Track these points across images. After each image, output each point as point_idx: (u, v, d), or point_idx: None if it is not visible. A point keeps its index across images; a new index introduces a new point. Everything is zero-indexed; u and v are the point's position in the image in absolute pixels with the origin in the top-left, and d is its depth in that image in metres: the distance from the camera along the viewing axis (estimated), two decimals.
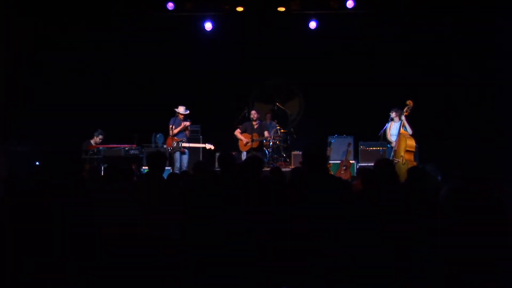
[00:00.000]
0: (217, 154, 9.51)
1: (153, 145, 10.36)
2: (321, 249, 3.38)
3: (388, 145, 8.78)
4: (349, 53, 10.47)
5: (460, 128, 9.42)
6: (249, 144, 9.16)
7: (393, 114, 8.59)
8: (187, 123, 8.97)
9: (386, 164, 4.07)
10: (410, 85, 9.52)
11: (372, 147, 9.74)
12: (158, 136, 10.49)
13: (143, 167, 8.82)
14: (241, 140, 9.27)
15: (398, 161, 8.21)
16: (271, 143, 9.52)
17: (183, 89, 10.49)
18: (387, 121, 8.69)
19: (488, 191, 3.70)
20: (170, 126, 8.88)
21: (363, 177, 4.60)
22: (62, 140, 9.21)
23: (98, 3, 9.72)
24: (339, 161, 9.68)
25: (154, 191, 4.22)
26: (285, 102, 11.29)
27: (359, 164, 9.65)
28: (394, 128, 8.57)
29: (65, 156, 8.77)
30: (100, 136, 9.01)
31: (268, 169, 7.44)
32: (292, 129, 10.23)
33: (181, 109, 9.02)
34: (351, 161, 9.65)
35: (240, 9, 10.13)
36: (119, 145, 8.78)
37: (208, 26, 10.51)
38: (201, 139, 10.09)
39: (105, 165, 7.70)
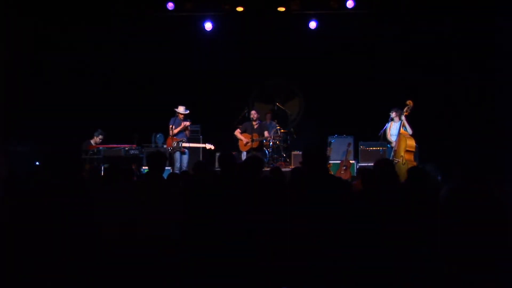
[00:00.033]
0: (217, 154, 9.52)
1: (153, 145, 10.36)
2: (321, 249, 3.38)
3: (388, 145, 8.78)
4: (349, 53, 10.47)
5: (460, 128, 9.42)
6: (249, 144, 9.16)
7: (393, 114, 8.59)
8: (187, 123, 8.97)
9: (386, 164, 4.07)
10: (410, 85, 9.52)
11: (372, 147, 9.74)
12: (158, 136, 10.49)
13: (143, 167, 8.82)
14: (241, 140, 9.27)
15: (398, 161, 8.21)
16: (271, 143, 9.52)
17: (183, 89, 10.49)
18: (387, 121, 8.69)
19: (488, 191, 3.70)
20: (170, 126, 8.88)
21: (363, 177, 4.60)
22: (62, 140, 9.21)
23: (98, 3, 9.72)
24: (339, 161, 9.68)
25: (154, 191, 4.22)
26: (285, 102, 11.29)
27: (359, 164, 9.65)
28: (394, 128, 8.57)
29: (65, 156, 8.77)
30: (100, 136, 9.01)
31: (268, 169, 7.44)
32: (292, 129, 10.23)
33: (181, 109, 9.03)
34: (351, 161, 9.65)
35: (240, 9, 10.13)
36: (119, 145, 8.78)
37: (208, 26, 10.51)
38: (201, 139, 10.09)
39: (105, 165, 7.74)
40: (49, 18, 9.46)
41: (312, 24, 10.37)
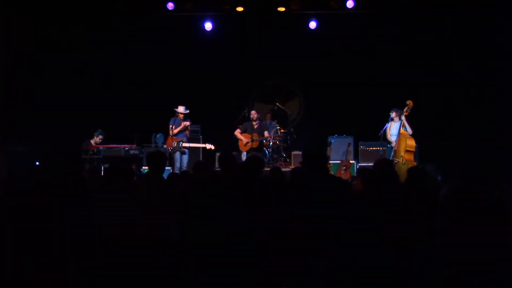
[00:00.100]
0: (217, 154, 9.52)
1: (153, 145, 10.36)
2: (321, 249, 3.38)
3: (388, 145, 8.78)
4: (349, 53, 10.47)
5: (460, 128, 9.42)
6: (249, 144, 9.16)
7: (393, 114, 8.59)
8: (187, 123, 8.97)
9: (386, 164, 4.07)
10: (410, 85, 9.51)
11: (372, 147, 9.74)
12: (158, 136, 10.49)
13: (143, 167, 8.82)
14: (241, 140, 9.27)
15: (398, 161, 8.21)
16: (271, 143, 9.52)
17: (183, 89, 10.49)
18: (387, 121, 8.69)
19: (488, 191, 3.70)
20: (170, 126, 8.88)
21: (363, 177, 4.60)
22: (62, 140, 9.21)
23: (98, 3, 9.72)
24: (339, 161, 9.68)
25: (154, 191, 4.22)
26: (285, 102, 11.29)
27: (359, 164, 9.65)
28: (394, 128, 8.58)
29: (65, 156, 8.77)
30: (100, 136, 9.01)
31: (268, 169, 7.43)
32: (292, 129, 10.23)
33: (181, 109, 9.03)
34: (351, 161, 9.65)
35: (240, 9, 10.13)
36: (119, 145, 8.78)
37: (208, 26, 10.51)
38: (201, 139, 10.09)
39: (106, 165, 7.74)
40: (49, 18, 9.46)
41: (312, 24, 10.37)
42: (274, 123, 10.14)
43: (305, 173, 3.80)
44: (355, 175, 9.22)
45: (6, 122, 9.12)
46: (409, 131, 8.40)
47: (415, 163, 8.03)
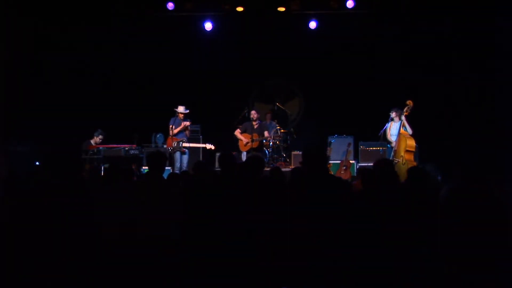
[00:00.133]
0: (217, 154, 9.52)
1: (153, 145, 10.36)
2: (321, 249, 3.38)
3: (388, 145, 8.78)
4: (349, 53, 10.47)
5: (460, 128, 9.42)
6: (249, 144, 9.16)
7: (393, 114, 8.59)
8: (187, 123, 8.97)
9: (386, 164, 4.07)
10: (410, 85, 9.51)
11: (372, 147, 9.74)
12: (158, 136, 10.49)
13: (143, 167, 8.82)
14: (241, 140, 9.27)
15: (398, 161, 8.21)
16: (271, 143, 9.52)
17: (183, 89, 10.49)
18: (387, 121, 8.69)
19: (488, 191, 3.70)
20: (170, 126, 8.88)
21: (363, 177, 4.60)
22: (62, 140, 9.21)
23: (98, 3, 9.71)
24: (339, 161, 9.68)
25: (154, 191, 4.22)
26: (285, 102, 11.29)
27: (359, 164, 9.65)
28: (394, 128, 8.58)
29: (65, 156, 8.77)
30: (100, 136, 9.01)
31: (268, 169, 7.43)
32: (292, 129, 10.23)
33: (181, 109, 9.03)
34: (351, 161, 9.65)
35: (240, 9, 10.13)
36: (119, 145, 8.78)
37: (208, 26, 10.51)
38: (201, 139, 10.09)
39: (106, 165, 7.74)
40: (49, 18, 9.46)
41: (312, 24, 10.37)
42: (274, 123, 10.14)
43: (305, 173, 3.80)
44: (355, 175, 9.22)
45: (6, 122, 9.11)
46: (409, 131, 8.40)
47: (415, 163, 8.03)
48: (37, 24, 9.39)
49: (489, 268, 3.48)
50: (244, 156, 9.15)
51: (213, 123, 10.46)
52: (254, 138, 9.15)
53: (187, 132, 9.07)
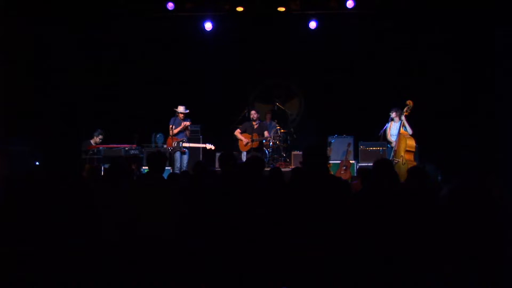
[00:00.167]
0: (217, 154, 9.52)
1: (153, 145, 10.36)
2: (321, 249, 3.38)
3: (388, 145, 8.78)
4: (349, 53, 10.47)
5: (460, 128, 9.41)
6: (249, 144, 9.16)
7: (393, 114, 8.60)
8: (187, 123, 8.97)
9: (386, 164, 4.07)
10: (410, 85, 9.51)
11: (372, 147, 9.74)
12: (158, 136, 10.49)
13: (143, 167, 8.82)
14: (241, 140, 9.27)
15: (398, 161, 8.21)
16: (271, 143, 9.51)
17: (183, 89, 10.50)
18: (387, 121, 8.69)
19: (488, 191, 3.70)
20: (170, 126, 8.88)
21: (363, 177, 4.61)
22: (62, 140, 9.20)
23: (98, 3, 9.71)
24: (339, 161, 9.68)
25: (154, 191, 4.22)
26: (285, 102, 11.29)
27: (359, 164, 9.65)
28: (394, 128, 8.58)
29: (65, 156, 8.76)
30: (100, 136, 9.01)
31: (268, 169, 7.43)
32: (292, 129, 10.23)
33: (181, 109, 9.02)
34: (351, 161, 9.65)
35: (240, 9, 10.14)
36: (119, 145, 8.78)
37: (208, 26, 10.52)
38: (201, 139, 10.08)
39: (108, 166, 7.74)
40: (49, 18, 9.45)
41: (312, 24, 10.38)
42: (274, 123, 10.14)
43: (305, 173, 3.80)
44: (355, 175, 9.22)
45: (6, 122, 9.11)
46: (409, 131, 8.41)
47: (415, 163, 8.03)
48: (37, 24, 9.38)
49: (489, 268, 3.48)
50: (244, 156, 9.15)
51: (213, 123, 10.45)
52: (254, 138, 9.15)
53: (187, 132, 9.07)
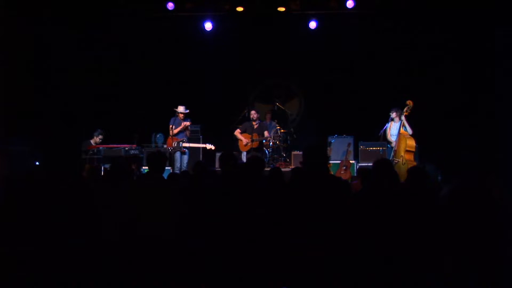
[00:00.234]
0: (217, 154, 9.52)
1: (153, 145, 10.36)
2: (321, 249, 3.37)
3: (388, 145, 8.78)
4: (349, 53, 10.47)
5: (460, 128, 9.41)
6: (249, 144, 9.16)
7: (393, 114, 8.60)
8: (187, 123, 8.97)
9: (385, 164, 4.07)
10: (410, 85, 9.51)
11: (372, 147, 9.73)
12: (158, 136, 10.49)
13: (143, 167, 8.82)
14: (241, 140, 9.27)
15: (398, 161, 8.21)
16: (271, 143, 9.51)
17: (183, 89, 10.50)
18: (387, 121, 8.69)
19: (488, 191, 3.70)
20: (170, 126, 8.88)
21: (363, 177, 4.60)
22: (62, 140, 9.20)
23: (98, 3, 9.71)
24: (339, 161, 9.68)
25: (154, 191, 4.22)
26: (285, 102, 11.29)
27: (359, 164, 9.65)
28: (394, 128, 8.58)
29: (65, 156, 8.76)
30: (100, 136, 9.01)
31: (268, 169, 7.43)
32: (292, 129, 10.23)
33: (181, 109, 9.02)
34: (351, 161, 9.65)
35: (240, 9, 10.14)
36: (119, 145, 8.78)
37: (208, 26, 10.52)
38: (201, 139, 10.08)
39: (106, 166, 7.74)
40: (49, 18, 9.45)
41: (312, 24, 10.38)
42: (274, 123, 10.13)
43: (305, 173, 3.80)
44: (355, 175, 9.22)
45: (6, 122, 9.11)
46: (409, 131, 8.41)
47: (415, 163, 8.03)
48: (37, 24, 9.38)
49: (488, 268, 3.48)
50: (244, 156, 9.15)
51: (213, 123, 10.45)
52: (254, 138, 9.15)
53: (187, 132, 9.07)
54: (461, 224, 3.57)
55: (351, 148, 9.78)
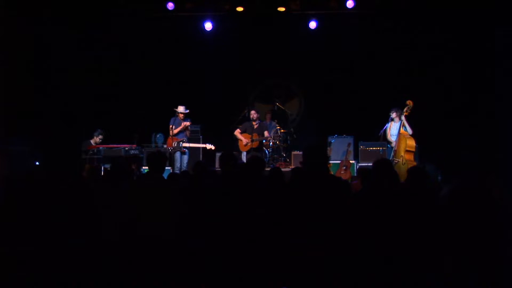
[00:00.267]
0: (217, 154, 9.52)
1: (153, 145, 10.36)
2: (321, 249, 3.37)
3: (388, 145, 8.78)
4: (349, 53, 10.47)
5: (460, 128, 9.41)
6: (249, 144, 9.16)
7: (393, 114, 8.60)
8: (187, 123, 8.97)
9: (385, 164, 4.07)
10: (410, 85, 9.51)
11: (372, 147, 9.73)
12: (158, 136, 10.49)
13: (143, 167, 8.82)
14: (241, 140, 9.27)
15: (398, 161, 8.21)
16: (271, 143, 9.51)
17: (183, 89, 10.50)
18: (387, 121, 8.69)
19: (488, 191, 3.70)
20: (170, 126, 8.88)
21: (362, 177, 4.60)
22: (62, 140, 9.20)
23: (98, 3, 9.71)
24: (339, 161, 9.68)
25: (154, 191, 4.22)
26: (285, 102, 11.29)
27: (359, 164, 9.65)
28: (394, 128, 8.58)
29: (65, 156, 8.76)
30: (100, 136, 9.01)
31: (268, 169, 7.43)
32: (292, 129, 10.23)
33: (180, 109, 9.03)
34: (351, 161, 9.65)
35: (240, 9, 10.15)
36: (119, 145, 8.78)
37: (208, 26, 10.52)
38: (201, 139, 10.08)
39: (107, 166, 7.74)
40: (49, 18, 9.45)
41: (312, 24, 10.38)
42: (274, 123, 10.13)
43: (305, 173, 3.80)
44: (355, 175, 9.22)
45: (6, 122, 9.11)
46: (409, 131, 8.41)
47: (415, 163, 8.03)
48: (37, 24, 9.38)
49: (488, 268, 3.48)
50: (244, 156, 9.15)
51: (213, 123, 10.45)
52: (254, 138, 9.15)
53: (187, 132, 9.07)
54: (461, 224, 3.57)
55: (351, 148, 9.78)
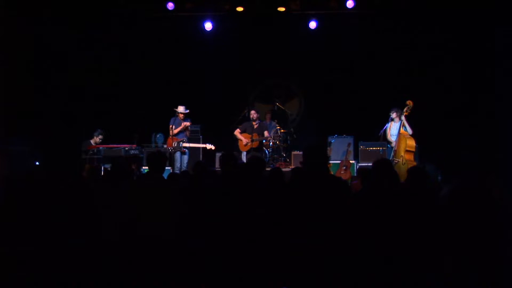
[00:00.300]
0: (218, 154, 9.52)
1: (153, 145, 10.36)
2: (321, 249, 3.37)
3: (388, 145, 8.78)
4: (349, 53, 10.47)
5: (460, 128, 9.41)
6: (249, 144, 9.16)
7: (393, 114, 8.60)
8: (187, 123, 8.97)
9: (385, 164, 4.07)
10: (410, 85, 9.51)
11: (372, 147, 9.73)
12: (158, 136, 10.49)
13: (143, 167, 8.82)
14: (241, 140, 9.27)
15: (398, 161, 8.21)
16: (271, 143, 9.51)
17: (183, 89, 10.50)
18: (387, 121, 8.69)
19: (488, 191, 3.70)
20: (170, 126, 8.88)
21: (363, 177, 4.60)
22: (62, 140, 9.21)
23: (98, 3, 9.71)
24: (339, 161, 9.67)
25: (154, 191, 4.22)
26: (285, 102, 11.29)
27: (359, 164, 9.65)
28: (394, 128, 8.58)
29: (65, 156, 8.76)
30: (100, 136, 9.02)
31: (268, 169, 7.43)
32: (292, 129, 10.23)
33: (180, 109, 9.03)
34: (351, 161, 9.65)
35: (240, 9, 10.15)
36: (119, 145, 8.78)
37: (208, 26, 10.53)
38: (201, 139, 10.08)
39: (107, 166, 7.74)
40: (49, 18, 9.45)
41: (312, 24, 10.39)
42: (274, 123, 10.14)
43: (305, 173, 3.80)
44: (355, 175, 9.22)
45: (6, 122, 9.11)
46: (409, 131, 8.41)
47: (415, 163, 8.03)
48: (37, 24, 9.38)
49: (488, 268, 3.48)
50: (244, 156, 9.15)
51: (213, 123, 10.45)
52: (254, 138, 9.15)
53: (187, 132, 9.07)
54: (461, 224, 3.57)
55: (351, 148, 9.78)
